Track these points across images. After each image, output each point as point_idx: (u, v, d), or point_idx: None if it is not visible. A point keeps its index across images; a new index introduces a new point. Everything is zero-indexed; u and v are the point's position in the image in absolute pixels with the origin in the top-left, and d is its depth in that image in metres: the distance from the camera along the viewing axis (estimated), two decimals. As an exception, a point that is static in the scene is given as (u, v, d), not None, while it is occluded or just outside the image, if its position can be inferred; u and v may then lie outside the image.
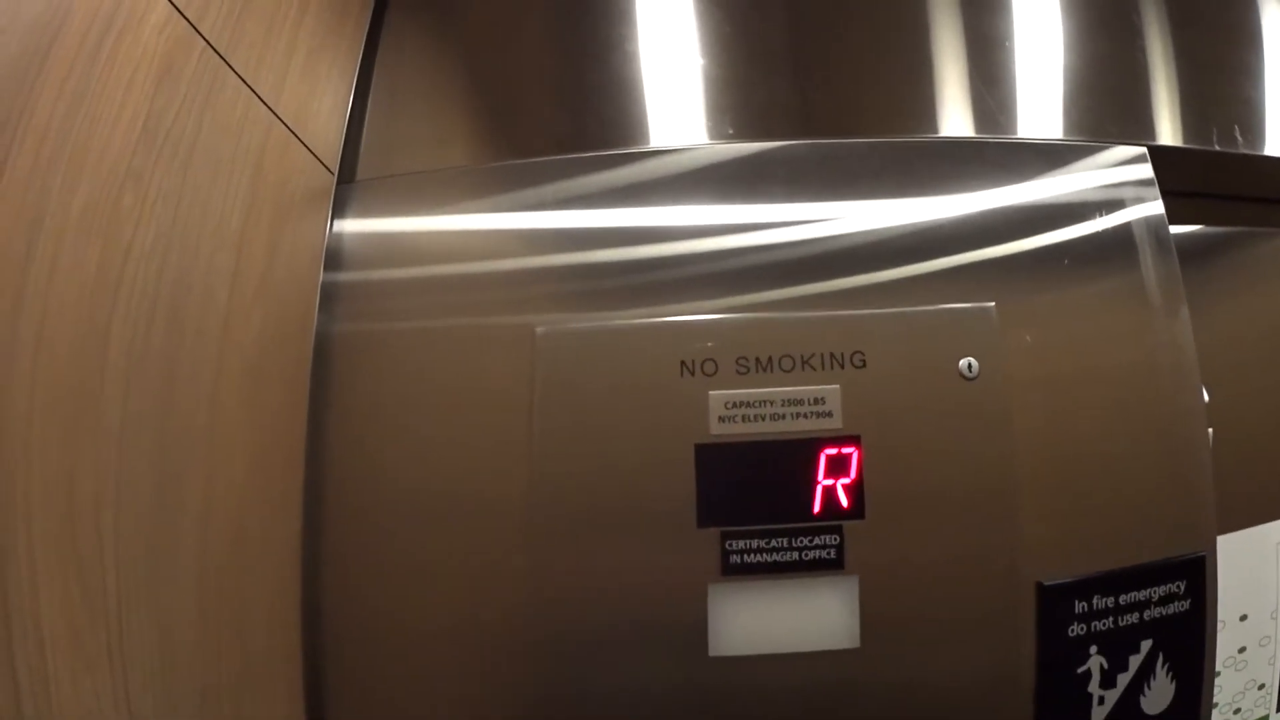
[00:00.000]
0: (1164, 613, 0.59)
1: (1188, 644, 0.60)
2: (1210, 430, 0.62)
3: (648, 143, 0.62)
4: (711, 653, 0.51)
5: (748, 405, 0.52)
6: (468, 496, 0.55)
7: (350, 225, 0.61)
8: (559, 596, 0.52)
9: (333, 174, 0.63)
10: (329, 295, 0.59)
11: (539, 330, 0.54)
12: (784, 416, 0.52)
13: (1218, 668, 0.69)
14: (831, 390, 0.53)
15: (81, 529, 0.40)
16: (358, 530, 0.56)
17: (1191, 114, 0.71)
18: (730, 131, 0.62)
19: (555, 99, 0.67)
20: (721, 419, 0.52)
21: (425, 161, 0.65)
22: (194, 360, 0.48)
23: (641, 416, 0.52)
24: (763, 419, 0.52)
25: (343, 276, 0.60)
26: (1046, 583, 0.55)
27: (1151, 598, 0.59)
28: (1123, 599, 0.58)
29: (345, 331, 0.58)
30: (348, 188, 0.63)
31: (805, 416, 0.52)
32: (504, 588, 0.53)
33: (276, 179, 0.56)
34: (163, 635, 0.46)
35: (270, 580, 0.55)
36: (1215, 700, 0.68)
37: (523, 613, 0.53)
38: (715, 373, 0.53)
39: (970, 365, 0.53)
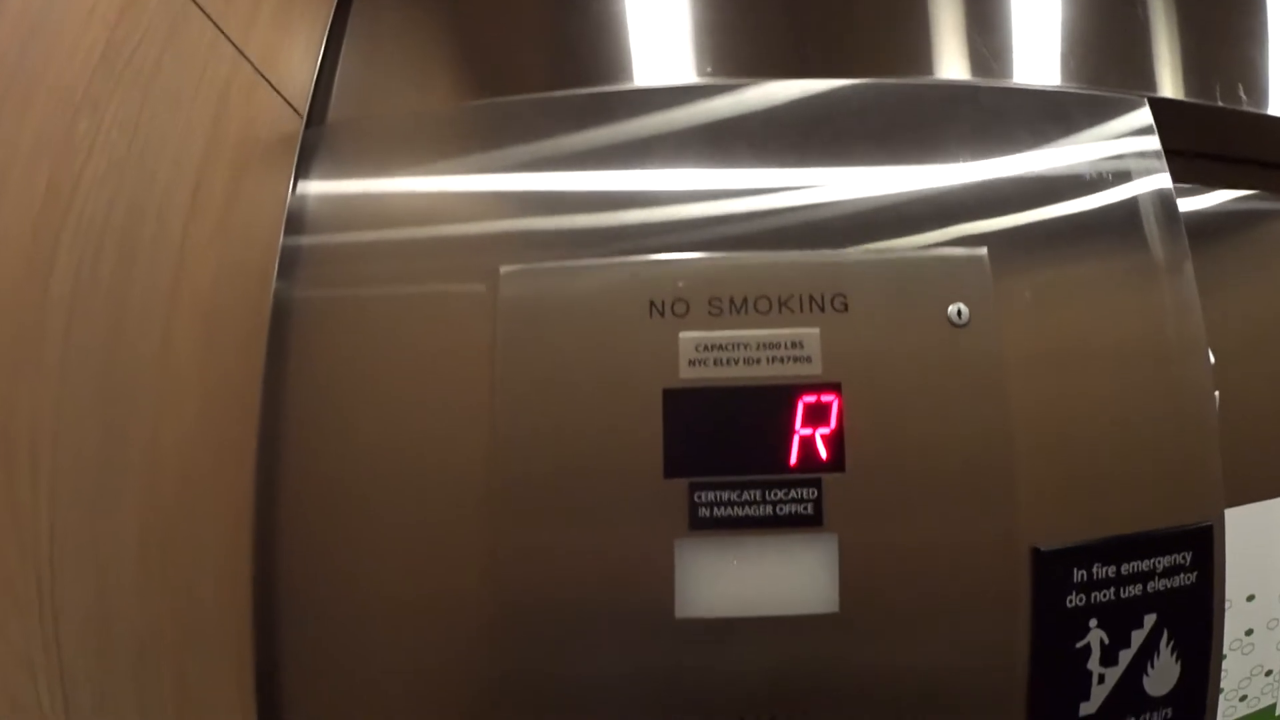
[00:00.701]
0: (1169, 585, 0.55)
1: (1194, 620, 0.56)
2: (1216, 394, 0.58)
3: (631, 82, 0.59)
4: (678, 614, 0.47)
5: (720, 348, 0.49)
6: (432, 455, 0.51)
7: (317, 176, 0.59)
8: (519, 551, 0.48)
9: (301, 117, 0.61)
10: (292, 250, 0.56)
11: (503, 270, 0.51)
12: (759, 361, 0.49)
13: (1223, 650, 0.65)
14: (810, 334, 0.49)
15: (17, 465, 0.38)
16: (316, 491, 0.52)
17: (1193, 70, 0.68)
18: (709, 70, 0.59)
19: (536, 44, 0.64)
20: (692, 362, 0.49)
21: (396, 106, 0.63)
22: (145, 295, 0.47)
23: (607, 359, 0.49)
24: (736, 363, 0.49)
25: (306, 236, 0.57)
26: (1043, 548, 0.51)
27: (1155, 568, 0.55)
28: (1125, 568, 0.54)
29: (307, 295, 0.55)
30: (316, 132, 0.60)
31: (782, 361, 0.49)
32: (465, 542, 0.50)
33: (242, 119, 0.55)
34: (100, 580, 0.44)
35: (221, 536, 0.52)
36: (1220, 685, 0.64)
37: (483, 569, 0.49)
38: (686, 314, 0.49)
39: (960, 312, 0.50)
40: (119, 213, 0.44)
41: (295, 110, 0.61)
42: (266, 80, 0.57)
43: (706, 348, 0.49)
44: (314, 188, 0.58)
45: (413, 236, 0.56)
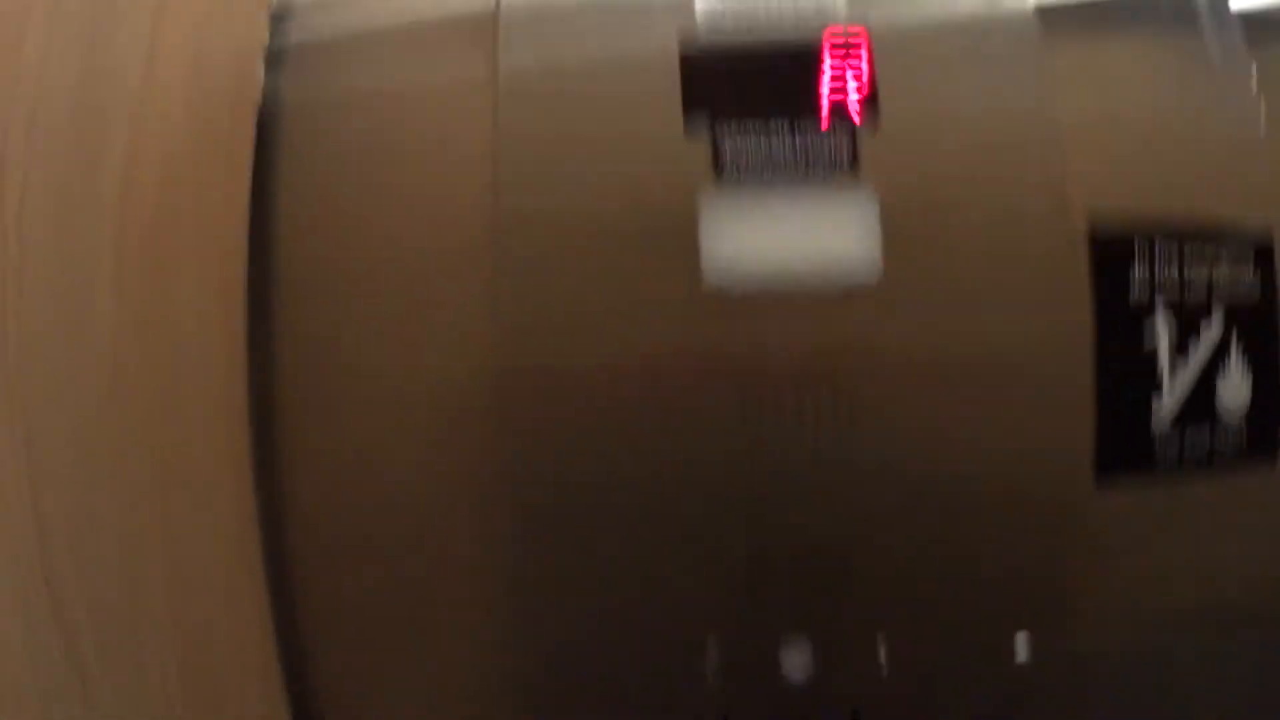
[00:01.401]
0: (1234, 297, 0.51)
1: (1264, 337, 0.52)
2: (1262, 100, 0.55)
3: None
4: (706, 282, 0.43)
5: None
6: (434, 197, 0.47)
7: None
8: (526, 224, 0.44)
9: None
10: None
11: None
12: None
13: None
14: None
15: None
16: (312, 268, 0.47)
17: None
18: None
19: None
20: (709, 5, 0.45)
21: None
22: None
23: (615, 14, 0.45)
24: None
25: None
26: (1099, 212, 0.46)
27: (1218, 278, 0.50)
28: (1188, 263, 0.49)
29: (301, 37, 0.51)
30: None
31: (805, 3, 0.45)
32: (472, 281, 0.45)
33: None
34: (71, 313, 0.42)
35: (210, 300, 0.47)
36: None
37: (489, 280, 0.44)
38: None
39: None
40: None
41: None
42: None
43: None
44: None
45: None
